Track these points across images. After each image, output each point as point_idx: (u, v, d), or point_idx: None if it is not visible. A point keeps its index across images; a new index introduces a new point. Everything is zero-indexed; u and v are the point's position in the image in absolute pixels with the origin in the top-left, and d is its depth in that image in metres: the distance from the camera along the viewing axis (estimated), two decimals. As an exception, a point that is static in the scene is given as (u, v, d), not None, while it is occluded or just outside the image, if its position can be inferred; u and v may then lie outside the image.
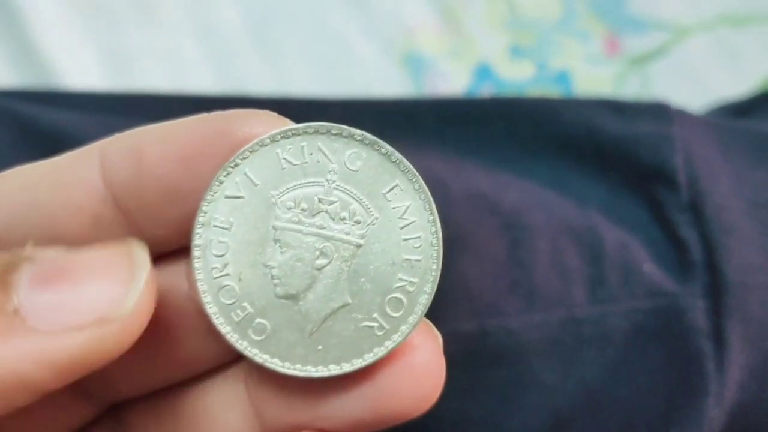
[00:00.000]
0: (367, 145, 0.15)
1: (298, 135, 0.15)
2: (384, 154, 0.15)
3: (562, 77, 0.36)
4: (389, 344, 0.15)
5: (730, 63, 0.36)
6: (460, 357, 0.22)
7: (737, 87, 0.35)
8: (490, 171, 0.24)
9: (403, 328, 0.15)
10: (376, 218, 0.15)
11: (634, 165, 0.23)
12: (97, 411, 0.16)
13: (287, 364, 0.15)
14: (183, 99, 0.27)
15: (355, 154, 0.15)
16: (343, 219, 0.15)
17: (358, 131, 0.15)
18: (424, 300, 0.15)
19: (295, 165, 0.15)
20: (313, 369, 0.15)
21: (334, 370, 0.15)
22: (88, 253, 0.13)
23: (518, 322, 0.22)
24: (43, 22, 0.34)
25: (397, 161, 0.15)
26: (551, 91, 0.36)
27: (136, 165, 0.15)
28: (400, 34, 0.36)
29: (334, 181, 0.15)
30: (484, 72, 0.36)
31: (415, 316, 0.15)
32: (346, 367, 0.15)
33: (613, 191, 0.23)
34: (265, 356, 0.15)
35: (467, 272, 0.22)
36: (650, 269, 0.22)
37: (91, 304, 0.13)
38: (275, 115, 0.15)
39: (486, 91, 0.36)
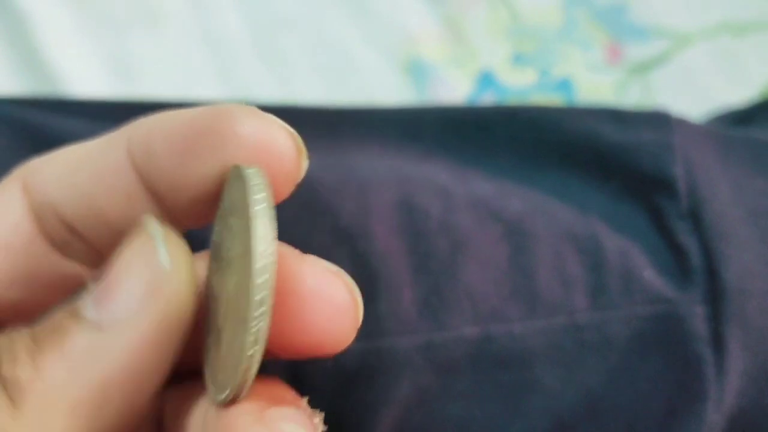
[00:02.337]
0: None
1: None
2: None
3: (564, 85, 0.36)
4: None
5: (731, 71, 0.36)
6: (464, 362, 0.22)
7: (738, 95, 0.35)
8: (492, 179, 0.24)
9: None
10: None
11: (635, 173, 0.24)
12: None
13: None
14: (188, 106, 0.27)
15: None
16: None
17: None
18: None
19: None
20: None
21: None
22: (120, 251, 0.15)
23: (521, 328, 0.22)
24: (50, 31, 0.35)
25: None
26: (553, 98, 0.36)
27: (147, 154, 0.16)
28: (402, 42, 0.36)
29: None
30: (486, 79, 0.36)
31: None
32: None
33: (614, 199, 0.24)
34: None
35: (470, 278, 0.22)
36: (650, 276, 0.22)
37: (142, 283, 0.14)
38: (260, 113, 0.15)
39: (488, 98, 0.36)
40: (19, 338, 0.14)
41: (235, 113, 0.15)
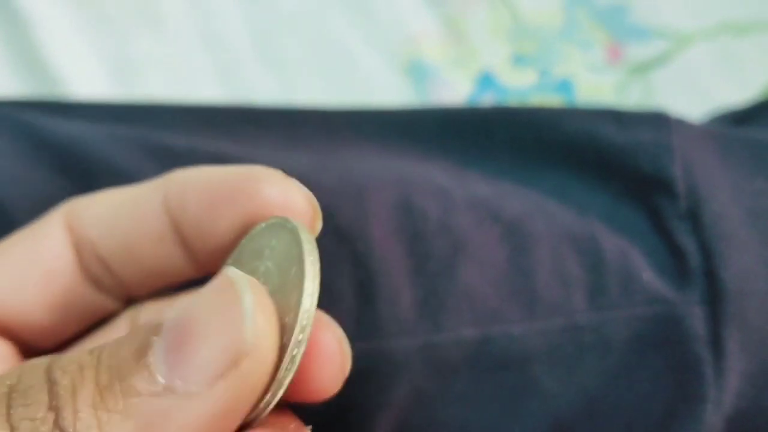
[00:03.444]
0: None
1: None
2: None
3: (565, 85, 0.36)
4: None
5: (731, 71, 0.36)
6: (463, 363, 0.22)
7: (738, 95, 0.35)
8: (491, 180, 0.24)
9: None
10: None
11: (634, 174, 0.24)
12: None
13: None
14: (189, 108, 0.27)
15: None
16: None
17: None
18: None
19: None
20: None
21: None
22: (199, 301, 0.14)
23: (520, 329, 0.22)
24: (50, 32, 0.35)
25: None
26: (553, 99, 0.36)
27: (181, 205, 0.17)
28: (403, 43, 0.36)
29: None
30: (486, 80, 0.36)
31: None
32: None
33: (613, 200, 0.24)
34: None
35: (469, 279, 0.22)
36: (649, 277, 0.22)
37: (220, 347, 0.13)
38: (284, 177, 0.17)
39: (489, 98, 0.36)
40: (82, 383, 0.13)
41: (262, 176, 0.16)
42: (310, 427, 0.16)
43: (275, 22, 0.36)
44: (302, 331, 0.14)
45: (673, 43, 0.37)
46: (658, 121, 0.24)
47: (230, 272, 0.14)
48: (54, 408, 0.13)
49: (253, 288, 0.14)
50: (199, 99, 0.34)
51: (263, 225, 0.16)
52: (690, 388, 0.21)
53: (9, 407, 0.13)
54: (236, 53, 0.36)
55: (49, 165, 0.24)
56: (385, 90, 0.36)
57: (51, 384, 0.13)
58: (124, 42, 0.35)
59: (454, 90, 0.36)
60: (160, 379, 0.13)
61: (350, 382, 0.21)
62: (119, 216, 0.18)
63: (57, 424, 0.13)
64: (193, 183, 0.17)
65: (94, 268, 0.18)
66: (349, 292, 0.22)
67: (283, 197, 0.16)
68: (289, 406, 0.21)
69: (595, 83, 0.36)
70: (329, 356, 0.16)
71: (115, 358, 0.14)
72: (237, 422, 0.14)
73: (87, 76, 0.34)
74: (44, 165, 0.24)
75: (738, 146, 0.24)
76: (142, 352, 0.13)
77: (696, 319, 0.22)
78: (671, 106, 0.35)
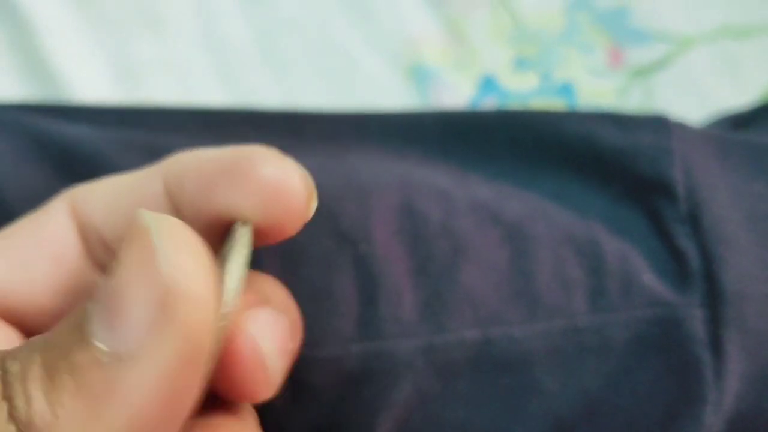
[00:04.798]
0: None
1: None
2: None
3: (566, 89, 0.36)
4: None
5: (732, 74, 0.36)
6: (464, 365, 0.22)
7: (739, 98, 0.35)
8: (492, 182, 0.24)
9: None
10: None
11: (634, 177, 0.24)
12: None
13: None
14: (191, 111, 0.27)
15: None
16: None
17: None
18: None
19: None
20: None
21: None
22: (121, 257, 0.13)
23: (521, 331, 0.22)
24: (54, 36, 0.35)
25: None
26: (555, 102, 0.36)
27: (180, 186, 0.17)
28: (404, 46, 0.37)
29: None
30: (488, 83, 0.36)
31: None
32: None
33: (614, 203, 0.24)
34: None
35: (470, 282, 0.22)
36: (650, 279, 0.22)
37: (147, 301, 0.12)
38: (280, 156, 0.16)
39: (490, 102, 0.36)
40: (31, 367, 0.13)
41: (257, 155, 0.16)
42: None
43: (277, 24, 0.36)
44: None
45: (673, 47, 0.37)
46: (658, 125, 0.24)
47: (139, 215, 0.13)
48: (7, 398, 0.12)
49: (166, 225, 0.13)
50: (202, 102, 0.34)
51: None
52: (690, 390, 0.21)
53: None
54: (238, 56, 0.36)
55: (52, 167, 0.24)
56: (386, 93, 0.36)
57: (2, 373, 0.13)
58: (127, 45, 0.36)
59: (455, 93, 0.36)
60: (103, 347, 0.12)
61: (353, 383, 0.22)
62: (121, 201, 0.18)
63: (11, 414, 0.12)
64: (190, 164, 0.17)
65: (99, 252, 0.18)
66: (351, 294, 0.22)
67: (279, 175, 0.16)
68: (293, 410, 0.21)
69: (596, 87, 0.36)
70: (259, 365, 0.16)
71: (58, 337, 0.13)
72: (197, 380, 0.13)
73: (90, 80, 0.35)
74: (48, 167, 0.24)
75: (738, 149, 0.24)
76: (81, 324, 0.13)
77: (696, 321, 0.22)
78: (672, 109, 0.35)
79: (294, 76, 0.36)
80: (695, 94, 0.36)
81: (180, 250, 0.13)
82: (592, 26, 0.37)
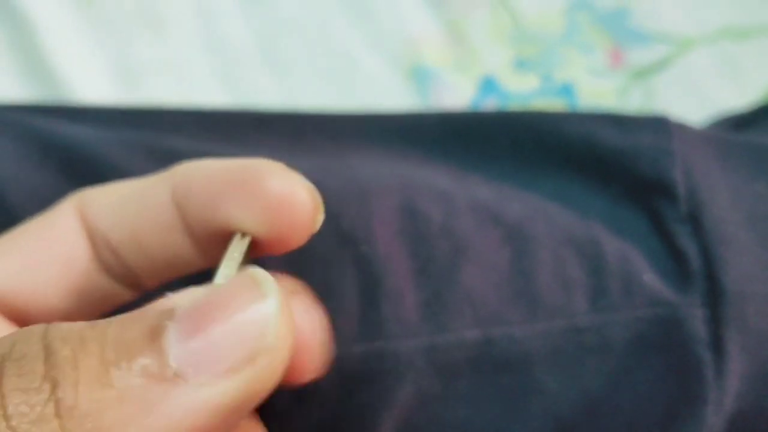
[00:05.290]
0: None
1: None
2: None
3: (566, 89, 0.36)
4: None
5: (732, 75, 0.36)
6: (465, 365, 0.22)
7: (739, 99, 0.35)
8: (493, 183, 0.24)
9: None
10: None
11: (635, 177, 0.24)
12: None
13: None
14: (193, 112, 0.27)
15: None
16: None
17: None
18: None
19: None
20: None
21: None
22: (221, 293, 0.14)
23: (522, 331, 0.22)
24: (55, 37, 0.35)
25: None
26: (555, 103, 0.36)
27: (187, 194, 0.17)
28: (405, 48, 0.37)
29: None
30: (489, 84, 0.36)
31: None
32: None
33: (614, 203, 0.24)
34: None
35: (471, 282, 0.22)
36: (650, 279, 0.22)
37: (239, 343, 0.13)
38: (287, 171, 0.17)
39: (491, 103, 0.36)
40: (84, 356, 0.13)
41: (264, 168, 0.17)
42: None
43: (277, 25, 0.37)
44: None
45: (674, 48, 0.37)
46: (658, 125, 0.25)
47: (256, 272, 0.14)
48: (51, 379, 0.12)
49: (278, 290, 0.14)
50: (203, 103, 0.35)
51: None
52: (691, 389, 0.22)
53: (1, 376, 0.12)
54: (239, 57, 0.36)
55: (55, 168, 0.24)
56: (387, 94, 0.36)
57: (48, 353, 0.13)
58: (128, 46, 0.36)
59: (455, 94, 0.36)
60: (172, 363, 0.13)
61: (354, 383, 0.22)
62: (128, 207, 0.18)
63: (54, 396, 0.12)
64: (197, 174, 0.17)
65: (107, 257, 0.18)
66: (352, 294, 0.22)
67: (286, 189, 0.16)
68: (295, 410, 0.21)
69: (597, 87, 0.36)
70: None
71: (123, 336, 0.13)
72: (238, 420, 0.14)
73: (92, 81, 0.35)
74: (50, 169, 0.24)
75: (738, 150, 0.24)
76: (155, 333, 0.13)
77: (697, 321, 0.22)
78: (672, 110, 0.35)
79: (294, 77, 0.36)
80: (695, 95, 0.36)
81: (284, 315, 0.14)
82: (593, 27, 0.37)
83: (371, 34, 0.37)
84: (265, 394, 0.14)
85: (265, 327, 0.13)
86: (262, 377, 0.13)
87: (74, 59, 0.35)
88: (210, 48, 0.36)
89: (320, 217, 0.17)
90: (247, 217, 0.16)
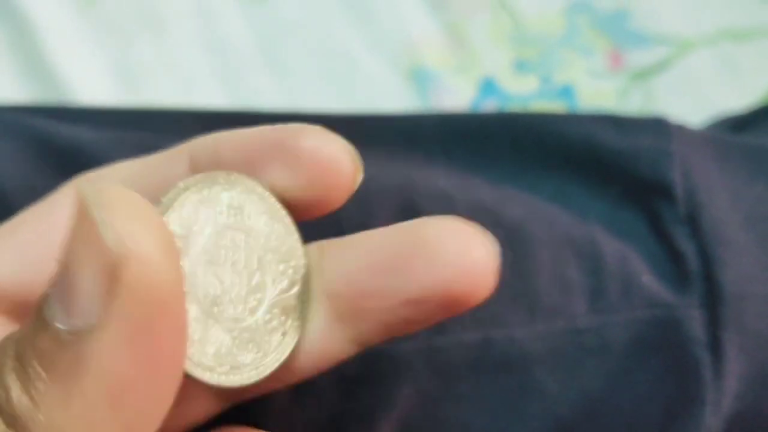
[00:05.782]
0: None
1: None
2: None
3: (566, 91, 0.36)
4: None
5: (732, 77, 0.37)
6: (464, 366, 0.22)
7: (739, 101, 0.35)
8: (493, 185, 0.24)
9: None
10: None
11: (634, 179, 0.24)
12: None
13: None
14: (194, 113, 0.27)
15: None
16: None
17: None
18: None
19: None
20: None
21: None
22: (67, 238, 0.13)
23: (521, 332, 0.22)
24: (56, 39, 0.35)
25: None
26: (555, 105, 0.36)
27: (215, 163, 0.17)
28: (405, 49, 0.37)
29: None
30: (489, 86, 0.36)
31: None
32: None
33: (613, 205, 0.24)
34: None
35: (470, 283, 0.22)
36: (649, 281, 0.22)
37: (98, 272, 0.12)
38: (326, 131, 0.16)
39: (491, 105, 0.36)
40: (5, 360, 0.13)
41: (304, 130, 0.16)
42: None
43: (278, 27, 0.37)
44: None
45: (673, 50, 0.37)
46: (657, 127, 0.25)
47: (79, 189, 0.13)
48: None
49: (105, 193, 0.12)
50: (203, 104, 0.35)
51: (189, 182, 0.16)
52: (689, 390, 0.22)
53: None
54: (240, 59, 0.36)
55: (55, 169, 0.24)
56: (387, 95, 0.36)
57: None
58: (129, 48, 0.36)
59: (456, 96, 0.36)
60: (62, 327, 0.12)
61: (353, 385, 0.22)
62: (140, 183, 0.17)
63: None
64: (227, 143, 0.17)
65: None
66: (352, 295, 0.22)
67: (326, 148, 0.16)
68: (293, 410, 0.21)
69: (597, 89, 0.36)
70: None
71: (26, 326, 0.13)
72: (172, 332, 0.13)
73: (92, 82, 0.35)
74: (50, 169, 0.24)
75: (737, 152, 0.25)
76: (41, 310, 0.13)
77: (695, 322, 0.22)
78: (672, 111, 0.35)
79: (295, 79, 0.36)
80: (695, 97, 0.36)
81: (122, 214, 0.12)
82: (592, 29, 0.37)
83: (372, 36, 0.37)
84: (173, 305, 0.13)
85: (101, 238, 0.12)
86: (140, 290, 0.12)
87: (74, 60, 0.35)
88: (210, 49, 0.36)
89: (359, 177, 0.17)
90: (286, 179, 0.16)
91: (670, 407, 0.22)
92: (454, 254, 0.15)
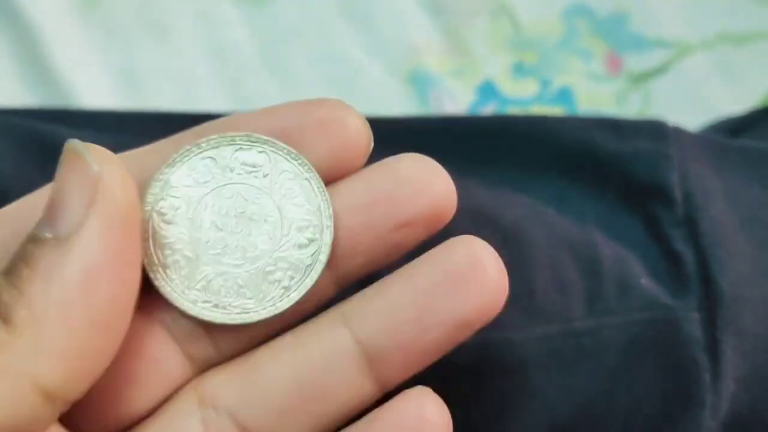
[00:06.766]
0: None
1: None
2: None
3: (565, 95, 0.36)
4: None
5: (730, 80, 0.37)
6: (463, 368, 0.22)
7: (738, 104, 0.35)
8: (491, 188, 0.24)
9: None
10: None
11: (632, 182, 0.24)
12: None
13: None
14: (195, 117, 0.27)
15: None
16: None
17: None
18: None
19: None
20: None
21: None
22: (58, 173, 0.16)
23: (519, 335, 0.22)
24: (59, 43, 0.35)
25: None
26: (554, 108, 0.36)
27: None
28: (405, 54, 0.37)
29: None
30: (488, 90, 0.37)
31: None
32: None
33: (611, 207, 0.24)
34: None
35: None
36: (647, 283, 0.22)
37: (81, 192, 0.16)
38: (345, 104, 0.19)
39: (490, 109, 0.36)
40: None
41: (327, 101, 0.19)
42: None
43: (279, 32, 0.37)
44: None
45: (672, 53, 0.37)
46: (655, 130, 0.25)
47: (69, 144, 0.16)
48: None
49: (92, 146, 0.16)
50: (205, 109, 0.35)
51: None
52: (687, 392, 0.22)
53: None
54: (241, 64, 0.36)
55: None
56: (387, 100, 0.36)
57: None
58: (131, 53, 0.36)
59: (456, 100, 0.36)
60: (47, 235, 0.15)
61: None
62: (134, 170, 0.18)
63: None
64: (250, 124, 0.18)
65: None
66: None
67: (334, 112, 0.18)
68: None
69: (596, 93, 0.37)
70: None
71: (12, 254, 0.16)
72: (131, 251, 0.16)
73: (95, 87, 0.35)
74: (53, 172, 0.24)
75: (734, 154, 0.25)
76: (30, 234, 0.16)
77: (693, 324, 0.22)
78: (670, 115, 0.35)
79: (296, 83, 0.36)
80: (694, 100, 0.36)
81: (102, 157, 0.16)
82: (591, 33, 0.37)
83: (372, 41, 0.37)
84: (133, 216, 0.16)
85: (88, 169, 0.16)
86: (113, 201, 0.16)
87: (78, 65, 0.35)
88: (212, 54, 0.36)
89: (371, 136, 0.19)
90: (316, 147, 0.18)
91: (668, 409, 0.22)
92: (425, 185, 0.18)
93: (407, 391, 0.18)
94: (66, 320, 0.15)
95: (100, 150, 0.16)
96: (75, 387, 0.15)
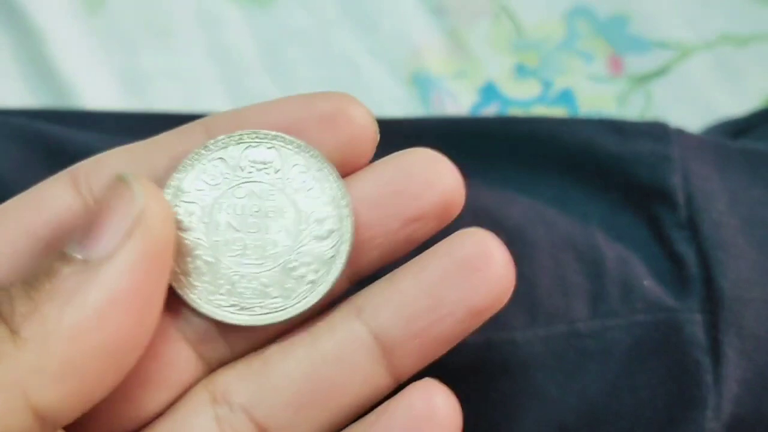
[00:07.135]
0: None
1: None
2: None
3: (567, 96, 0.36)
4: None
5: (732, 82, 0.37)
6: (465, 369, 0.22)
7: (739, 106, 0.36)
8: (494, 189, 0.25)
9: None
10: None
11: (634, 183, 0.24)
12: None
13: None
14: (197, 118, 0.28)
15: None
16: None
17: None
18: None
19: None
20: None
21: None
22: (99, 198, 0.16)
23: (523, 336, 0.22)
24: (62, 45, 0.35)
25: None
26: (556, 110, 0.36)
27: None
28: (407, 55, 0.37)
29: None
30: (490, 91, 0.37)
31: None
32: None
33: (614, 209, 0.24)
34: None
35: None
36: (649, 284, 0.22)
37: (121, 219, 0.16)
38: (352, 97, 0.19)
39: (492, 110, 0.36)
40: (14, 287, 0.15)
41: (333, 95, 0.19)
42: None
43: (282, 34, 0.37)
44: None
45: (673, 55, 0.37)
46: (657, 132, 0.25)
47: (117, 175, 0.16)
48: None
49: (140, 178, 0.16)
50: (208, 110, 0.35)
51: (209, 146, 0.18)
52: (690, 394, 0.22)
53: None
54: (244, 65, 0.36)
55: None
56: (389, 101, 0.36)
57: None
58: (135, 55, 0.36)
59: (457, 101, 0.36)
60: (78, 256, 0.15)
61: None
62: (139, 166, 0.18)
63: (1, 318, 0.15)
64: (257, 118, 0.18)
65: None
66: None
67: (337, 104, 0.18)
68: None
69: (597, 94, 0.37)
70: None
71: (38, 266, 0.16)
72: (158, 285, 0.16)
73: (99, 89, 0.35)
74: (56, 172, 0.24)
75: (736, 156, 0.25)
76: (61, 251, 0.16)
77: (695, 326, 0.22)
78: (672, 116, 0.35)
79: (298, 85, 0.36)
80: (695, 102, 0.36)
81: (149, 191, 0.16)
82: (592, 34, 0.37)
83: (373, 42, 0.37)
84: (167, 251, 0.16)
85: (133, 199, 0.16)
86: (152, 234, 0.16)
87: (81, 67, 0.35)
88: (215, 56, 0.36)
89: (377, 137, 0.19)
90: (326, 139, 0.18)
91: (671, 411, 0.22)
92: (435, 180, 0.18)
93: (415, 383, 0.18)
94: (75, 345, 0.15)
95: (148, 183, 0.16)
96: (67, 412, 0.15)
